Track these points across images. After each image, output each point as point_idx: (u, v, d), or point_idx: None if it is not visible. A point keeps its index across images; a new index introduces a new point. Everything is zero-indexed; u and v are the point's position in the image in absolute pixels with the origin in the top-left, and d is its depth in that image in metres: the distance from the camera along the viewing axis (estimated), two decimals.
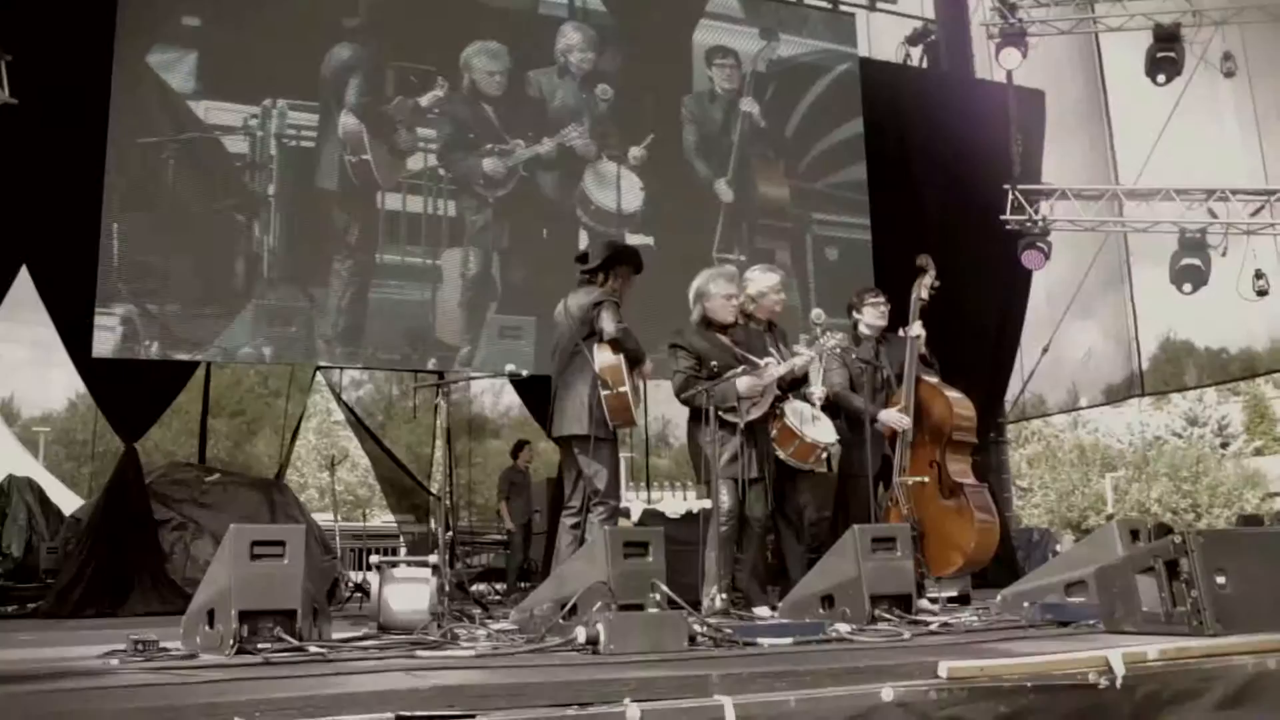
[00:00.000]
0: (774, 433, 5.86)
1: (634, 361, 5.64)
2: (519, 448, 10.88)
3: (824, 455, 6.01)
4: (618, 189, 9.44)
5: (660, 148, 9.65)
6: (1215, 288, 9.43)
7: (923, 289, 6.40)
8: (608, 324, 5.55)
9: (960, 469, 6.18)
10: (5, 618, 7.59)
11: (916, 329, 6.29)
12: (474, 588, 8.64)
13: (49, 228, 7.71)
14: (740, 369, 5.63)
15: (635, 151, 9.53)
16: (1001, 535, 10.21)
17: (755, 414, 5.65)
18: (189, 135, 8.17)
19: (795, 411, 5.88)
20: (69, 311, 7.77)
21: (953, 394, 6.22)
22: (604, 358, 5.56)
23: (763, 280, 6.15)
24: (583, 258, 6.04)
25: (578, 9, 9.62)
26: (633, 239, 9.16)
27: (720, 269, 5.96)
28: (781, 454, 5.85)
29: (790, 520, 6.08)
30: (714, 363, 5.56)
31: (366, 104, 8.66)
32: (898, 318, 6.67)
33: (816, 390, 6.05)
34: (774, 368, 5.69)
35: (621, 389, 5.48)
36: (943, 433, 6.14)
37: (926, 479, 6.08)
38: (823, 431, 5.89)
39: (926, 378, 6.28)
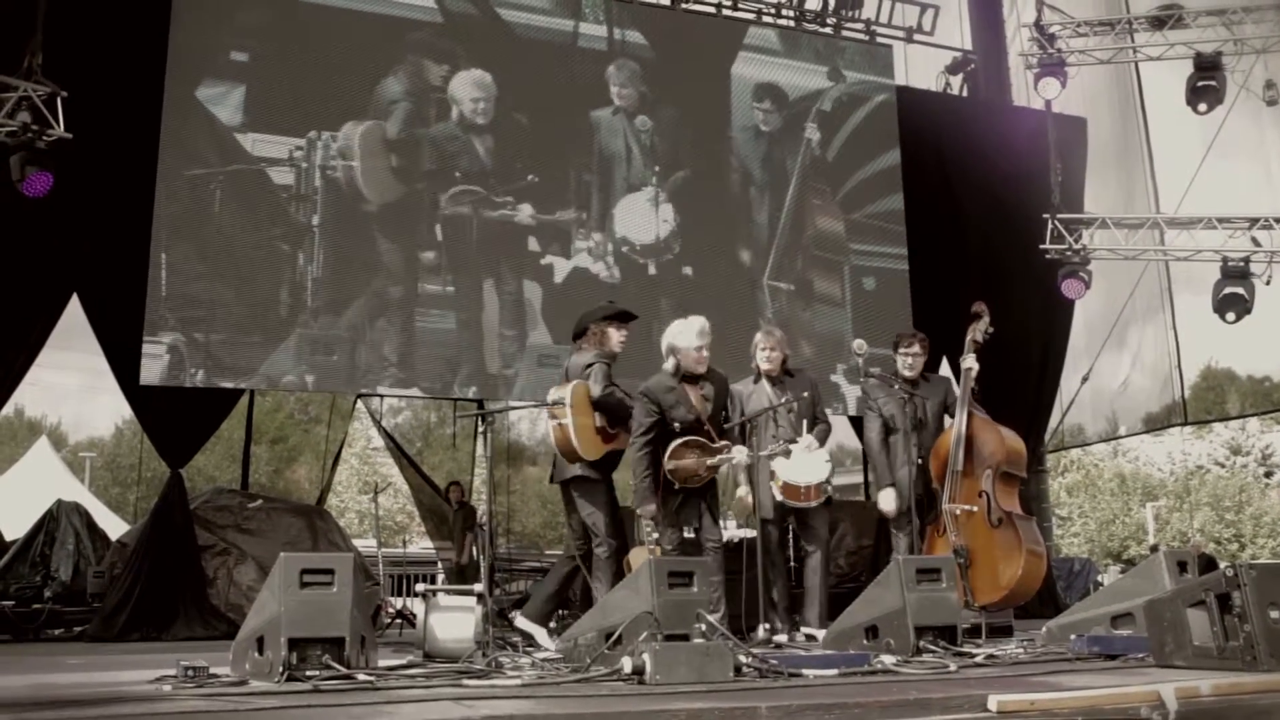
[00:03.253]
0: (771, 476, 6.02)
1: (615, 420, 5.78)
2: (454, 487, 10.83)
3: (820, 491, 6.02)
4: (657, 219, 9.53)
5: (701, 180, 9.72)
6: (1258, 315, 9.31)
7: (977, 333, 6.42)
8: (594, 387, 5.71)
9: (1009, 500, 6.16)
10: (53, 640, 7.70)
11: (969, 361, 6.31)
12: (513, 614, 8.64)
13: (99, 258, 7.90)
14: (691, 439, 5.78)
15: (676, 181, 9.62)
16: None
17: (692, 484, 5.81)
18: (236, 167, 8.32)
19: (783, 458, 6.00)
20: (118, 340, 7.93)
21: (1005, 430, 6.28)
22: (552, 395, 5.74)
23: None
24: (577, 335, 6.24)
25: (616, 42, 9.73)
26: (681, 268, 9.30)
27: (690, 321, 6.01)
28: (779, 496, 6.00)
29: (809, 552, 6.20)
30: (676, 424, 5.80)
31: (388, 125, 8.80)
32: (939, 351, 6.69)
33: (804, 440, 6.10)
34: (725, 455, 5.83)
35: (564, 421, 5.58)
36: (994, 465, 6.15)
37: (975, 508, 6.06)
38: (809, 472, 5.95)
39: (978, 412, 6.31)
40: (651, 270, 9.39)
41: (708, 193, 9.74)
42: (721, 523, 7.26)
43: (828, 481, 6.04)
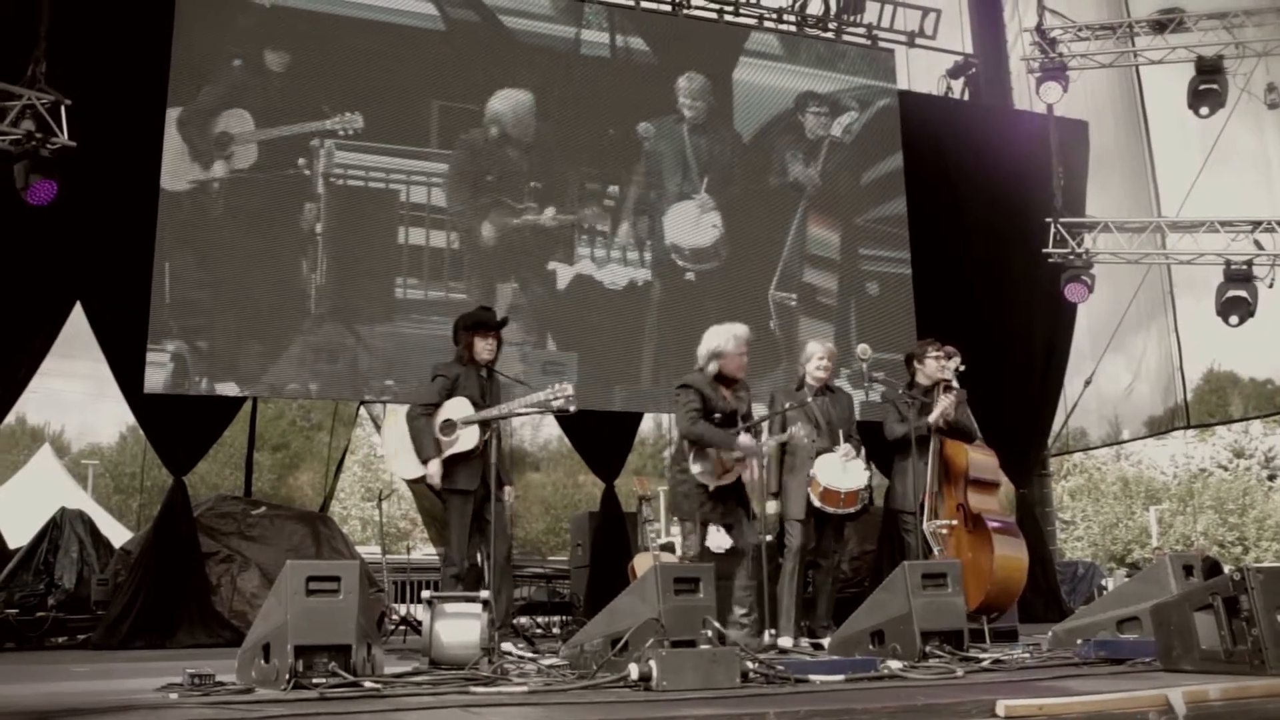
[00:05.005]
0: (809, 482, 6.13)
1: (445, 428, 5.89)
2: None
3: (858, 499, 6.09)
4: (691, 226, 9.61)
5: (702, 189, 9.74)
6: (1260, 318, 9.30)
7: (947, 372, 6.46)
8: (416, 397, 6.09)
9: (982, 503, 6.27)
10: (57, 648, 7.70)
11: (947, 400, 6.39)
12: (516, 620, 8.64)
13: (103, 266, 7.89)
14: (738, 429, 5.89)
15: (703, 192, 9.68)
16: (1046, 569, 10.19)
17: (726, 480, 5.90)
18: (238, 174, 8.33)
19: (822, 463, 6.12)
20: (121, 348, 7.93)
21: (970, 446, 6.45)
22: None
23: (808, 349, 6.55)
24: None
25: (619, 49, 9.74)
26: (693, 273, 9.45)
27: (733, 326, 6.13)
28: (816, 502, 6.09)
29: (819, 564, 6.35)
30: (716, 414, 5.88)
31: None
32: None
33: (841, 448, 6.19)
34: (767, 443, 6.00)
35: (384, 453, 5.96)
36: (963, 475, 6.28)
37: (955, 521, 6.17)
38: (849, 479, 6.00)
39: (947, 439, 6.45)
40: (654, 279, 9.41)
41: (701, 204, 9.75)
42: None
43: (866, 489, 6.14)
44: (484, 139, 9.08)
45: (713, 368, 5.99)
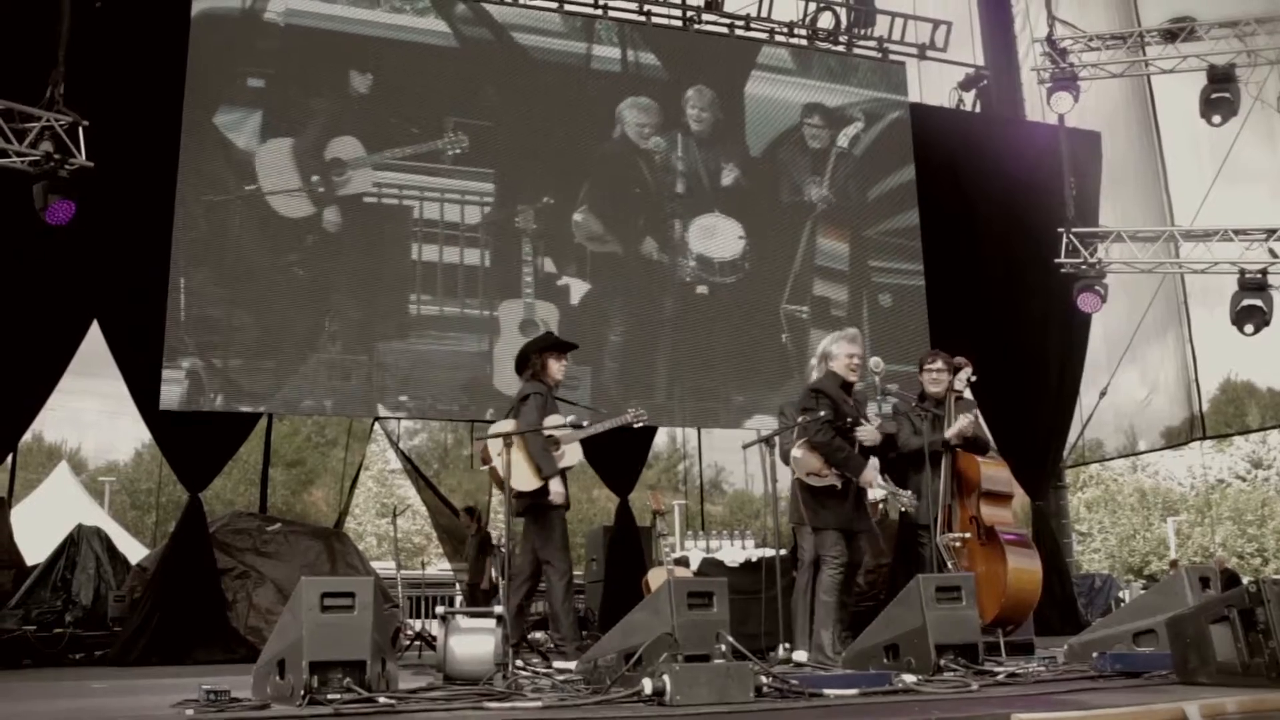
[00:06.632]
0: None
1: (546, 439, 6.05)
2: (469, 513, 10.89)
3: (877, 510, 6.07)
4: (709, 239, 9.66)
5: (710, 203, 9.76)
6: (1276, 326, 9.26)
7: (958, 382, 6.43)
8: (522, 418, 6.05)
9: (995, 515, 6.24)
10: (75, 664, 7.73)
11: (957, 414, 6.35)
12: (531, 635, 8.63)
13: (120, 285, 7.97)
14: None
15: (722, 205, 9.76)
16: (1062, 581, 10.13)
17: (814, 481, 5.84)
18: (253, 191, 8.39)
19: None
20: (138, 365, 7.99)
21: (982, 458, 6.38)
22: (491, 430, 6.12)
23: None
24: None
25: (630, 63, 9.78)
26: (706, 286, 9.48)
27: (844, 331, 6.22)
28: None
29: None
30: (849, 418, 5.88)
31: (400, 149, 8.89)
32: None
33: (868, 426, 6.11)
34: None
35: (491, 465, 5.99)
36: (975, 487, 6.25)
37: (968, 534, 6.15)
38: (869, 491, 6.02)
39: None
40: (667, 292, 9.42)
41: (721, 216, 9.76)
42: (740, 542, 7.27)
43: (884, 500, 6.11)
44: (497, 154, 9.12)
45: (823, 369, 6.02)
